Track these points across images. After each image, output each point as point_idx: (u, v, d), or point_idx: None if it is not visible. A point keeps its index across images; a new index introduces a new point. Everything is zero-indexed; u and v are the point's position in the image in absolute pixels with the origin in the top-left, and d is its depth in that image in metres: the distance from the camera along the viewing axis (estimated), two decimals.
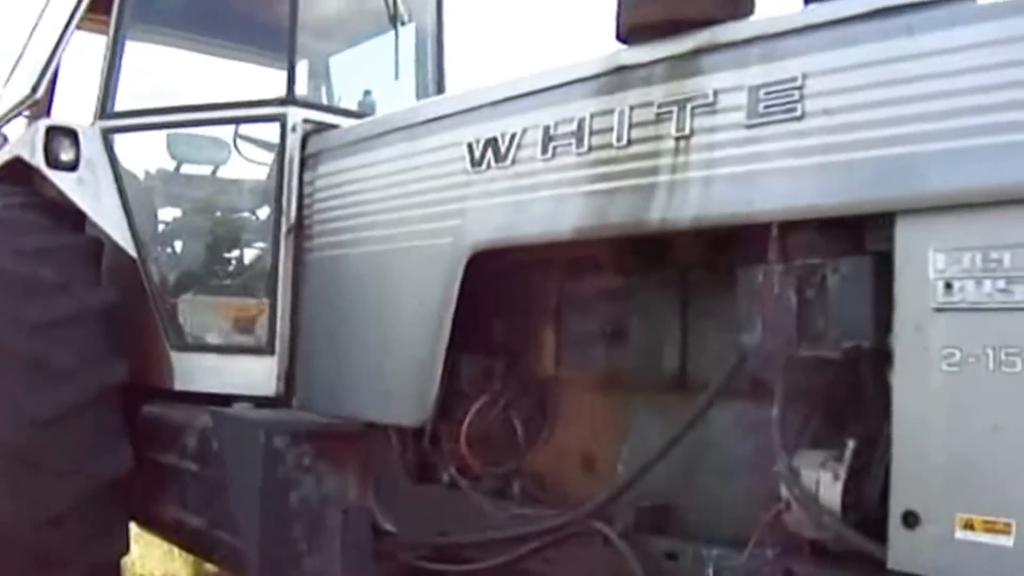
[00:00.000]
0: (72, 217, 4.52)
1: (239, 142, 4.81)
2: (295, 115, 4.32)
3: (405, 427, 3.63)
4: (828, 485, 2.52)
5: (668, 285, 3.16)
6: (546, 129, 3.17)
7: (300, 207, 4.21)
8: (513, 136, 3.27)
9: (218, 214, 5.16)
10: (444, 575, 3.45)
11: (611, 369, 3.27)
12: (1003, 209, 2.18)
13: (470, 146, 3.41)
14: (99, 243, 4.51)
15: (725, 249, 2.96)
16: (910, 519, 2.29)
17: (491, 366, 3.52)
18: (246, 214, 5.10)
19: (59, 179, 4.47)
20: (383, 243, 3.75)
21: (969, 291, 2.23)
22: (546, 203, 3.15)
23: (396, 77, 4.89)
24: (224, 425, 3.95)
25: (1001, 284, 2.18)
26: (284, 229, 4.24)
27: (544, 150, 3.17)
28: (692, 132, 2.80)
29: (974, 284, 2.22)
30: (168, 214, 5.20)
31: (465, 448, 3.42)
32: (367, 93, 4.99)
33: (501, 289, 3.47)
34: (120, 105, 4.71)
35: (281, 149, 4.31)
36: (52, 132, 4.47)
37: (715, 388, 2.80)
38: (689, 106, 2.82)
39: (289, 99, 4.41)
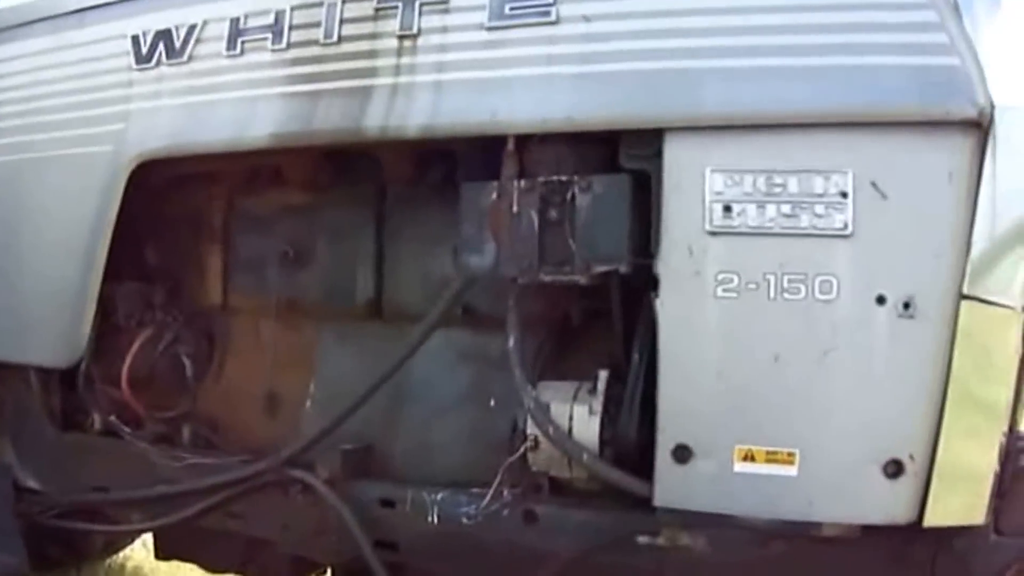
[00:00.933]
0: None
1: None
2: None
3: (48, 368, 2.22)
4: (583, 420, 1.59)
5: (361, 202, 2.00)
6: (234, 22, 1.87)
7: None
8: (191, 28, 1.91)
9: None
10: (105, 537, 2.16)
11: (292, 296, 2.08)
12: (789, 133, 1.46)
13: (135, 40, 1.98)
14: None
15: (431, 163, 1.96)
16: (681, 453, 1.48)
17: (149, 295, 2.16)
18: None
19: None
20: (13, 152, 2.20)
21: (750, 215, 1.47)
22: (233, 106, 1.85)
23: None
24: None
25: (787, 209, 1.45)
26: None
27: (231, 45, 1.87)
28: (420, 31, 1.69)
29: (756, 208, 1.46)
30: None
31: (126, 390, 2.11)
32: None
33: (156, 206, 2.12)
34: None
35: None
36: None
37: (437, 314, 1.76)
38: (417, 2, 1.72)
39: None
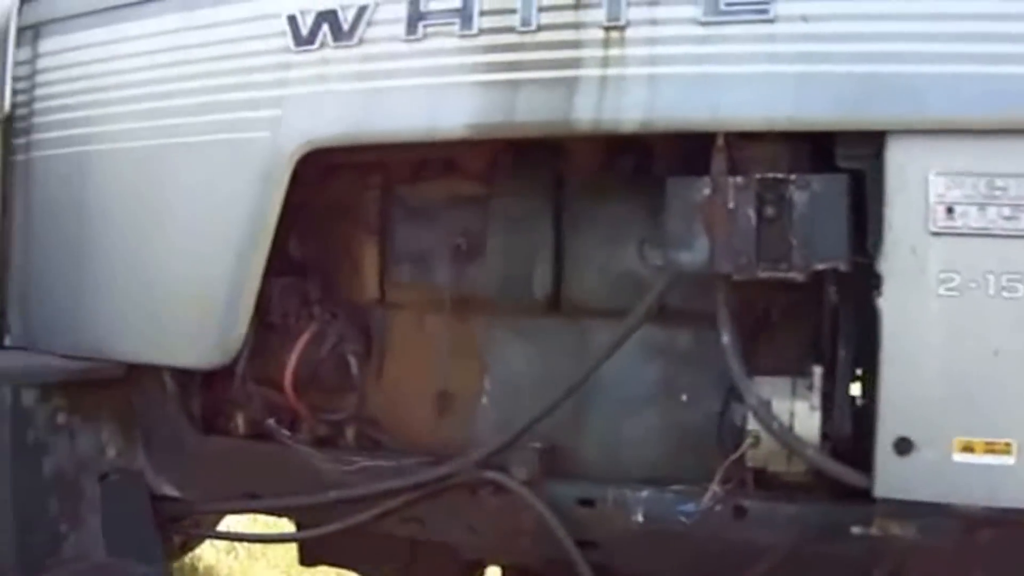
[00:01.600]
0: None
1: None
2: None
3: (191, 369, 2.80)
4: (804, 416, 2.21)
5: (538, 192, 2.60)
6: (414, 4, 2.43)
7: (8, 93, 3.01)
8: (361, 10, 2.47)
9: None
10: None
11: (462, 290, 2.68)
12: (1011, 138, 2.02)
13: (293, 19, 2.54)
14: None
15: (618, 154, 2.54)
16: (902, 445, 2.07)
17: (305, 290, 2.77)
18: None
19: None
20: (150, 137, 2.75)
21: (972, 216, 2.04)
22: (417, 94, 2.42)
23: None
24: None
25: (1006, 212, 2.03)
26: None
27: (411, 29, 2.43)
28: (628, 23, 2.25)
29: (977, 210, 2.04)
30: None
31: (290, 392, 2.69)
32: None
33: (305, 196, 2.67)
34: None
35: None
36: None
37: (643, 310, 2.35)
38: None
39: None
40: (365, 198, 2.79)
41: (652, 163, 2.48)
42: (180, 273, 2.73)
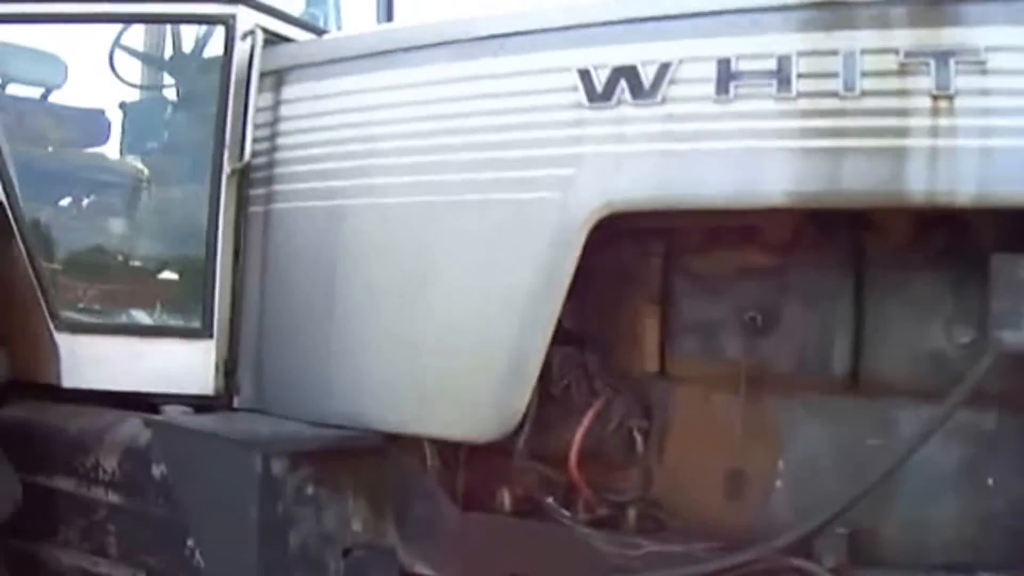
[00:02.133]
0: None
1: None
2: (247, 17, 3.75)
3: (462, 441, 3.34)
4: None
5: (838, 264, 3.13)
6: (723, 63, 2.99)
7: (250, 141, 3.68)
8: (664, 67, 3.03)
9: (129, 148, 4.38)
10: None
11: (755, 365, 3.20)
12: None
13: (585, 74, 3.12)
14: None
15: (930, 227, 3.02)
16: None
17: (584, 361, 3.33)
18: (168, 147, 4.38)
19: None
20: (416, 193, 3.37)
21: None
22: (728, 158, 2.96)
23: None
24: (178, 441, 3.38)
25: None
26: (227, 170, 3.69)
27: (721, 89, 2.98)
28: (957, 92, 2.78)
29: None
30: (56, 142, 4.40)
31: (574, 469, 3.21)
32: (320, 1, 4.45)
33: (581, 259, 3.18)
34: None
35: (226, 63, 3.73)
36: None
37: (965, 390, 2.80)
38: (952, 61, 2.78)
39: None
40: (647, 265, 3.35)
41: (965, 237, 2.98)
42: (452, 339, 3.32)
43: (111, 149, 4.52)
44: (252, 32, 3.70)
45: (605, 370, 3.33)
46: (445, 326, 3.32)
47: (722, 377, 3.24)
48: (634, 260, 3.36)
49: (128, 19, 4.00)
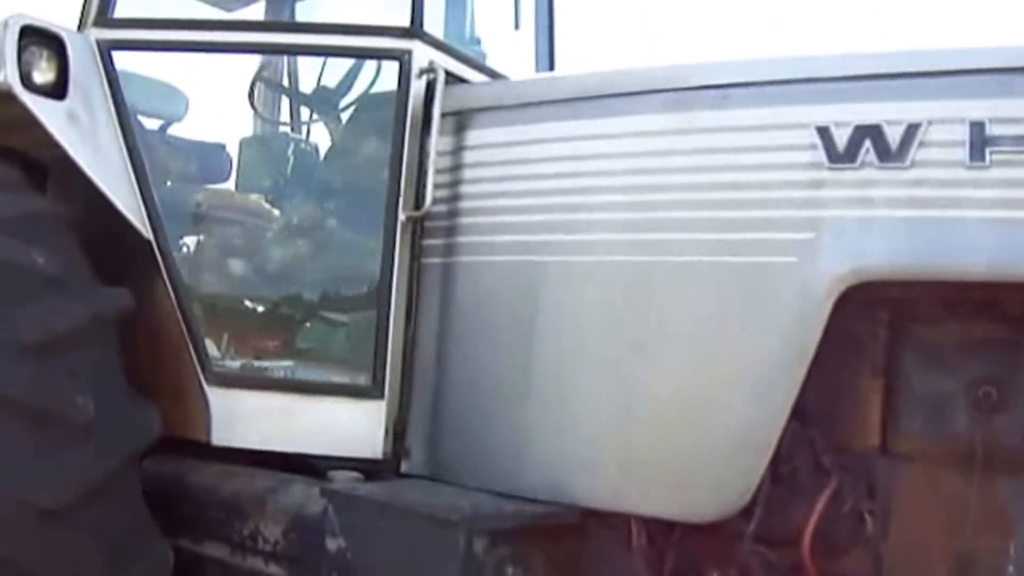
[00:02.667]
0: (41, 170, 3.51)
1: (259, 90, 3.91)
2: (422, 54, 3.54)
3: (678, 520, 3.11)
4: None
5: None
6: (977, 126, 2.82)
7: (431, 188, 3.43)
8: (911, 128, 2.86)
9: (285, 187, 4.11)
10: None
11: (987, 443, 2.99)
12: None
13: (825, 132, 2.94)
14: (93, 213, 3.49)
15: None
16: None
17: (811, 437, 3.12)
18: (333, 191, 4.10)
19: (42, 110, 3.38)
20: (628, 252, 3.15)
21: None
22: (985, 228, 2.81)
23: (516, 26, 4.15)
24: (361, 512, 3.13)
25: None
26: (402, 218, 3.46)
27: (975, 155, 2.82)
28: None
29: None
30: (204, 179, 4.15)
31: (807, 553, 3.00)
32: (476, 42, 4.21)
33: None
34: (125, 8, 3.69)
35: (401, 102, 3.50)
36: (27, 36, 3.38)
37: None
38: None
39: (415, 31, 3.57)
40: (871, 335, 3.14)
41: None
42: (670, 410, 3.12)
43: (263, 187, 4.23)
44: (431, 70, 3.48)
45: (830, 446, 3.13)
46: (662, 396, 3.11)
47: (949, 455, 3.05)
48: (858, 329, 3.16)
49: (297, 51, 3.73)
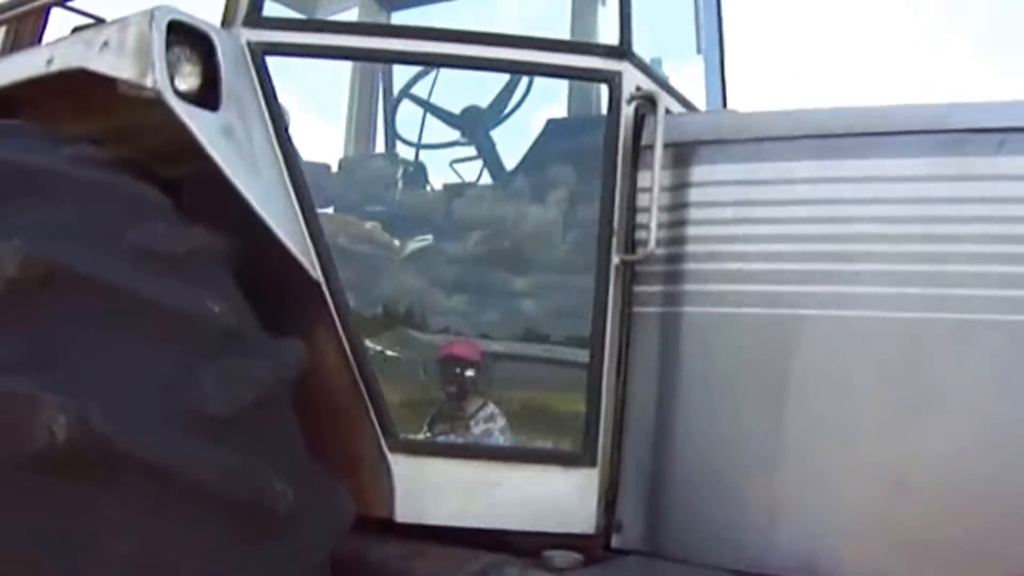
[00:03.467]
0: (175, 189, 2.88)
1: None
2: (631, 78, 3.16)
3: None
4: None
5: None
6: None
7: (655, 230, 3.03)
8: None
9: (471, 224, 3.51)
10: None
11: None
12: None
13: None
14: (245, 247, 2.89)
15: None
16: None
17: None
18: (528, 232, 3.46)
19: (197, 123, 2.81)
20: (899, 308, 2.87)
21: None
22: None
23: (699, 50, 3.75)
24: None
25: None
26: (615, 262, 3.07)
27: None
28: None
29: None
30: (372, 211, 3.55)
31: None
32: (658, 63, 3.78)
33: None
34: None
35: (612, 131, 3.11)
36: (171, 33, 2.81)
37: None
38: None
39: (625, 50, 3.17)
40: None
41: None
42: (952, 480, 2.82)
43: (446, 224, 3.67)
44: (649, 97, 3.11)
45: None
46: (942, 464, 2.84)
47: None
48: None
49: (484, 66, 3.25)
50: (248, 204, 2.91)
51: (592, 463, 3.06)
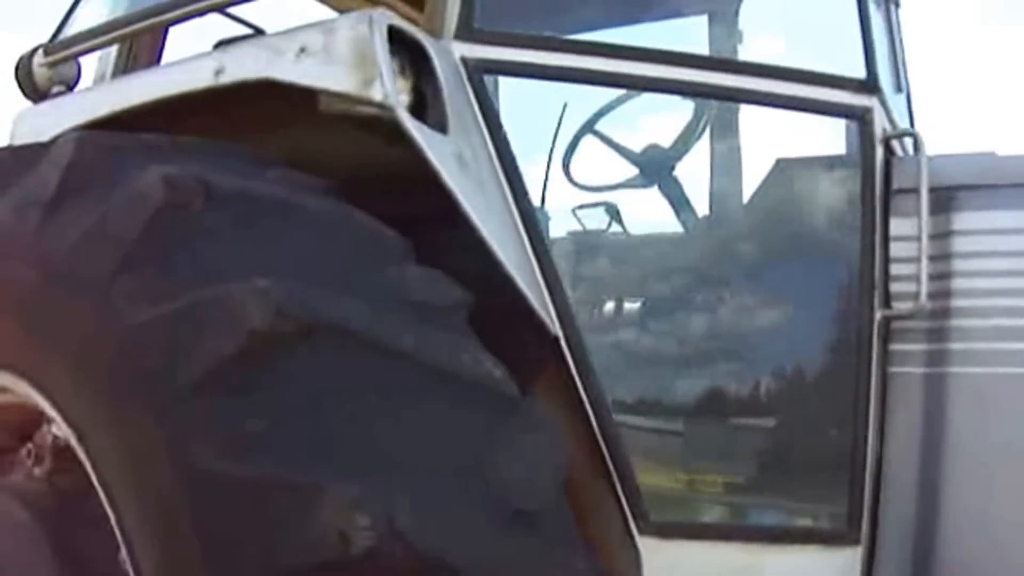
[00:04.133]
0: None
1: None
2: (880, 116, 2.89)
3: None
4: None
5: None
6: None
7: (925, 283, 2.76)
8: None
9: (714, 275, 3.13)
10: None
11: None
12: None
13: None
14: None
15: None
16: None
17: None
18: (772, 284, 3.13)
19: (432, 148, 2.44)
20: None
21: None
22: None
23: (900, 88, 3.44)
24: None
25: None
26: (877, 317, 2.79)
27: None
28: None
29: None
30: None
31: None
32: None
33: None
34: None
35: (868, 173, 2.84)
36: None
37: None
38: None
39: (872, 85, 2.91)
40: None
41: None
42: None
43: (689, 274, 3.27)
44: (909, 135, 2.84)
45: None
46: None
47: None
48: None
49: (737, 97, 2.95)
50: (486, 245, 2.54)
51: (856, 541, 2.75)
